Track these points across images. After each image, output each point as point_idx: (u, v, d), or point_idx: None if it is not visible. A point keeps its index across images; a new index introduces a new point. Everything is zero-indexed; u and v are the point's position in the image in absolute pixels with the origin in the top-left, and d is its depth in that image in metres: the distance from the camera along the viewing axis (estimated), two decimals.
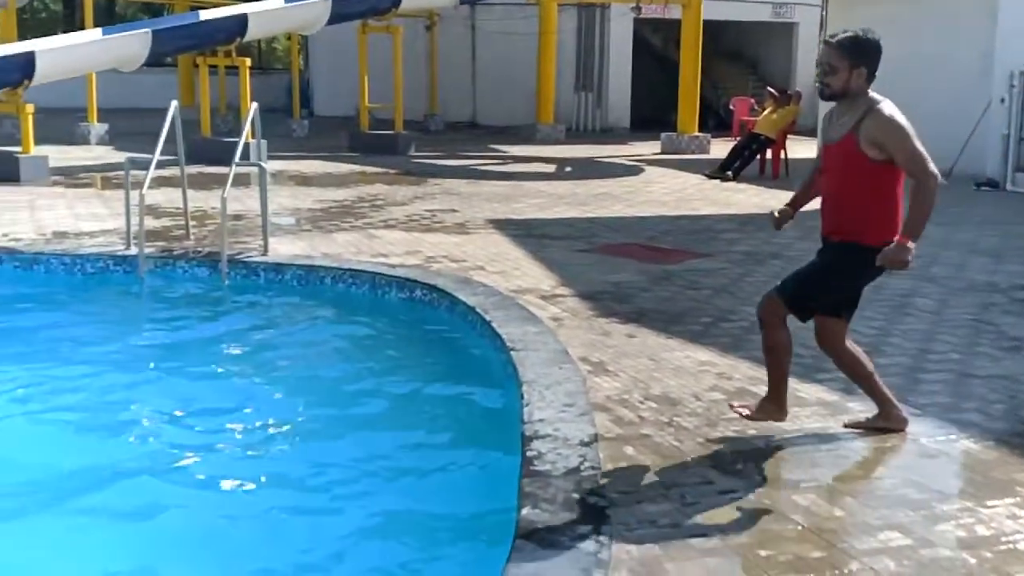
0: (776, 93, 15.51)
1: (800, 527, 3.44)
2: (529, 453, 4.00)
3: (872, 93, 4.08)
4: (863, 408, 4.65)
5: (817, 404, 4.72)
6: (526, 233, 9.53)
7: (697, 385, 4.95)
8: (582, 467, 3.86)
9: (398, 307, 7.18)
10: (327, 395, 5.70)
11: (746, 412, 4.32)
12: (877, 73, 4.07)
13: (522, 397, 4.71)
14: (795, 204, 4.43)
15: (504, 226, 9.97)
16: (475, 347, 6.18)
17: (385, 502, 4.30)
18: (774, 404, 4.33)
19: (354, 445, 4.92)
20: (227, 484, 4.60)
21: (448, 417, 5.31)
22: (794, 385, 4.93)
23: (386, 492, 4.41)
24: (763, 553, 3.25)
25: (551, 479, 3.74)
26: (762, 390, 4.88)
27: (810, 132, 19.32)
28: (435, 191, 12.65)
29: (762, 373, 5.12)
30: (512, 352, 5.43)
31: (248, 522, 4.17)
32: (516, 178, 14.47)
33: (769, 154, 15.17)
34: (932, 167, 3.96)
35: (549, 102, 20.71)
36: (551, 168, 16.08)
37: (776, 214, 4.38)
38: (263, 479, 4.61)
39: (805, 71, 25.67)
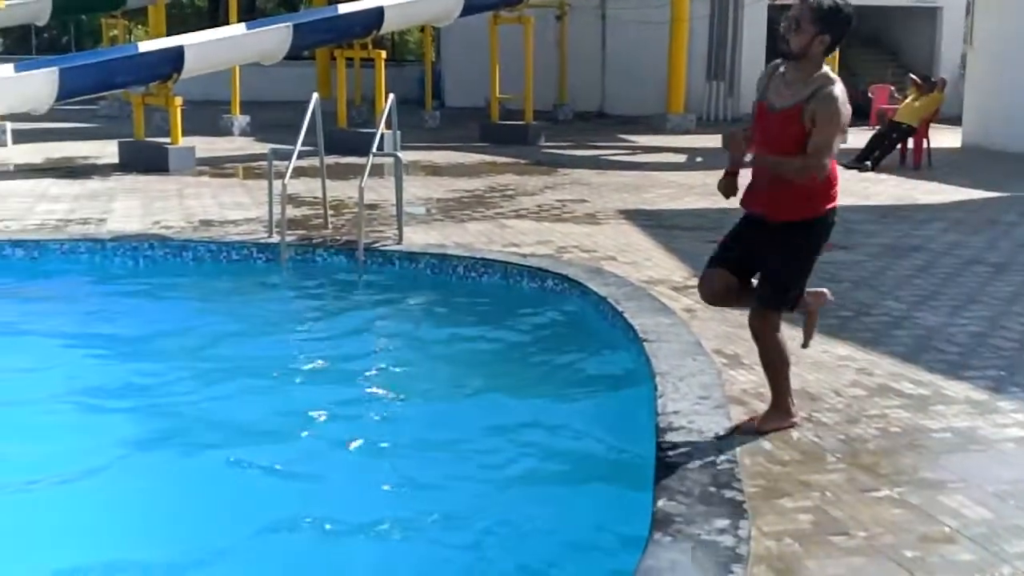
0: (919, 80, 14.96)
1: (947, 528, 3.34)
2: (664, 445, 3.98)
3: (827, 68, 3.95)
4: (1014, 407, 4.48)
5: (965, 402, 4.55)
6: (656, 224, 9.46)
7: (836, 380, 4.83)
8: (718, 460, 3.82)
9: (529, 296, 7.23)
10: (457, 382, 5.79)
11: (755, 426, 4.17)
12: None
13: (655, 388, 4.69)
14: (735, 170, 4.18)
15: (634, 216, 9.92)
16: (606, 338, 6.18)
17: (516, 489, 4.35)
18: (781, 412, 4.20)
19: (484, 431, 4.99)
20: (361, 453, 4.75)
21: (579, 407, 5.34)
22: (940, 382, 4.78)
23: (517, 478, 4.46)
24: (909, 554, 3.16)
25: (687, 471, 3.72)
26: (905, 387, 4.75)
27: (955, 120, 18.57)
28: (565, 181, 12.67)
29: (905, 369, 5.00)
30: (645, 343, 5.41)
31: (373, 491, 4.30)
32: (646, 168, 14.36)
33: (911, 143, 14.65)
34: (826, 163, 3.88)
35: (680, 91, 20.46)
36: (681, 158, 15.90)
37: (724, 186, 4.20)
38: (397, 450, 4.73)
39: (949, 58, 24.69)
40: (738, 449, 3.96)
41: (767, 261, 4.09)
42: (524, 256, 7.79)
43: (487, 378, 5.80)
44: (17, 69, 12.01)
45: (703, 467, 3.76)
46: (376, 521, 4.04)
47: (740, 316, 6.03)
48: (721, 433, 4.09)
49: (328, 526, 4.02)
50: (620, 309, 6.15)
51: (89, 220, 9.24)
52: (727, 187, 4.18)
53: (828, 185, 4.02)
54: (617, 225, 9.43)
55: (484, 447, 4.79)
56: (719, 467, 3.76)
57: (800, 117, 3.89)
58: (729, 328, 5.79)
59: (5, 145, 15.31)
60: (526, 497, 4.28)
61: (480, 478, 4.47)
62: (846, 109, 3.91)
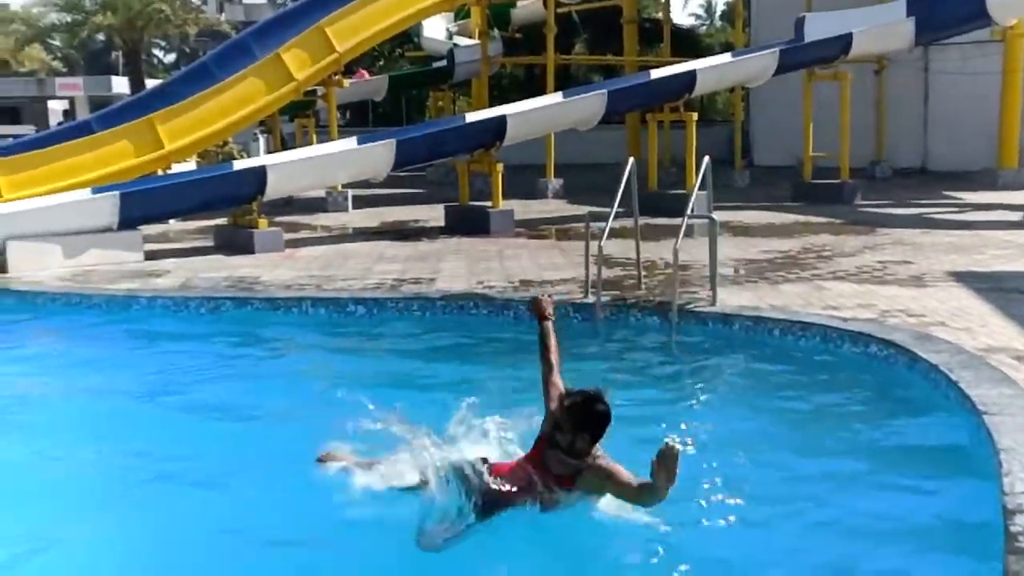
0: None
1: None
2: (1013, 528, 3.69)
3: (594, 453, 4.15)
4: None
5: None
6: (992, 287, 8.80)
7: None
8: None
9: (851, 363, 6.96)
10: (773, 448, 5.63)
11: None
12: None
13: (1000, 466, 4.36)
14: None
15: (965, 279, 9.29)
16: (939, 409, 5.82)
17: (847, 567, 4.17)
18: None
19: (810, 502, 4.83)
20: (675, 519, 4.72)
21: (909, 482, 5.04)
22: None
23: (843, 557, 4.27)
24: None
25: None
26: None
27: None
28: (885, 241, 12.11)
29: None
30: (984, 416, 5.05)
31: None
32: (976, 227, 13.41)
33: None
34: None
35: (1013, 144, 19.02)
36: (1017, 216, 14.73)
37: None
38: (704, 519, 4.66)
39: None
40: None
41: None
42: (844, 320, 7.52)
43: (805, 448, 5.60)
44: (359, 142, 13.23)
45: None
46: None
47: None
48: None
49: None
50: (954, 378, 5.78)
51: (420, 280, 9.94)
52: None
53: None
54: (947, 288, 8.87)
55: (805, 518, 4.64)
56: None
57: (564, 480, 4.20)
58: None
59: (346, 211, 16.84)
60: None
61: (803, 544, 4.33)
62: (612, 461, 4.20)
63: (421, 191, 20.35)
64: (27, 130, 25.60)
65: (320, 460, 4.82)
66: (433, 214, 15.45)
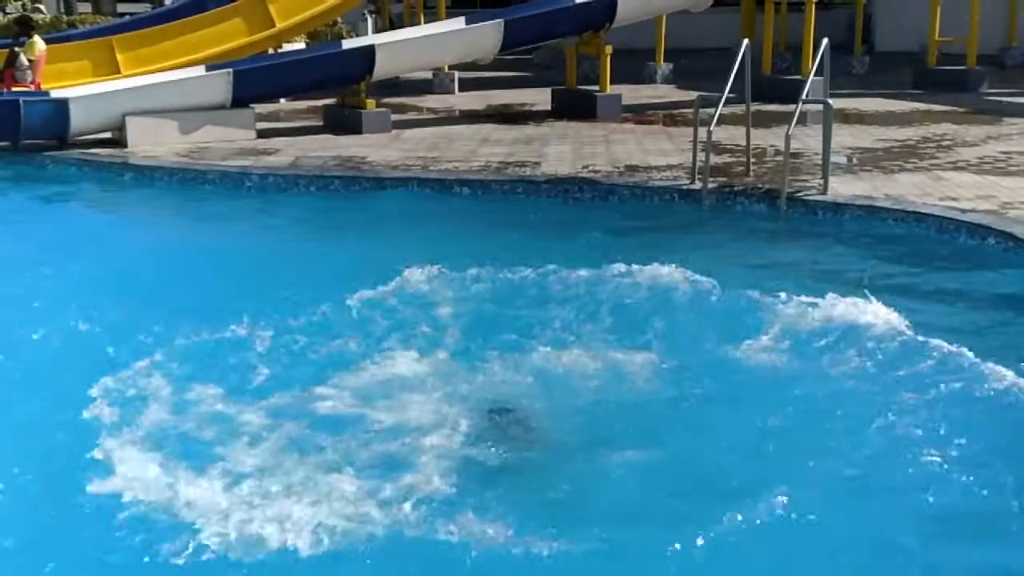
0: None
1: None
2: None
3: None
4: None
5: None
6: None
7: None
8: None
9: (967, 256, 6.76)
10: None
11: None
12: None
13: None
14: None
15: None
16: None
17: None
18: None
19: (919, 400, 4.70)
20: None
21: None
22: None
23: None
24: None
25: None
26: None
27: None
28: (1011, 131, 11.55)
29: None
30: None
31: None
32: None
33: None
34: None
35: None
36: None
37: None
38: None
39: None
40: None
41: None
42: (963, 211, 7.28)
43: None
44: (467, 22, 13.09)
45: None
46: None
47: None
48: None
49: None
50: None
51: (526, 163, 9.92)
52: None
53: None
54: None
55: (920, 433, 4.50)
56: None
57: None
58: None
59: (452, 92, 16.77)
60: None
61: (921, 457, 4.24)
62: None
63: (528, 74, 20.08)
64: (143, 8, 26.00)
65: None
66: (539, 98, 15.27)
